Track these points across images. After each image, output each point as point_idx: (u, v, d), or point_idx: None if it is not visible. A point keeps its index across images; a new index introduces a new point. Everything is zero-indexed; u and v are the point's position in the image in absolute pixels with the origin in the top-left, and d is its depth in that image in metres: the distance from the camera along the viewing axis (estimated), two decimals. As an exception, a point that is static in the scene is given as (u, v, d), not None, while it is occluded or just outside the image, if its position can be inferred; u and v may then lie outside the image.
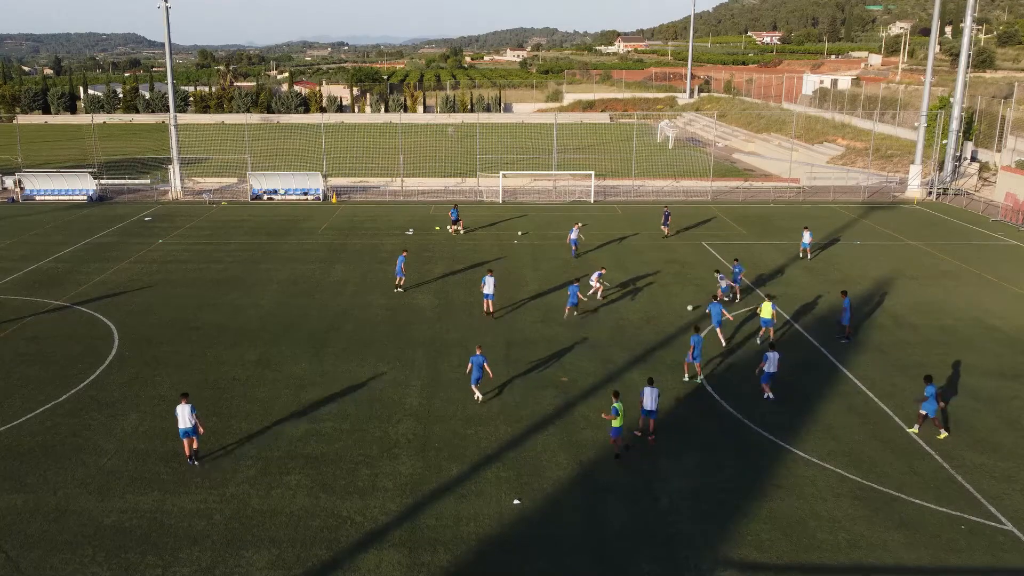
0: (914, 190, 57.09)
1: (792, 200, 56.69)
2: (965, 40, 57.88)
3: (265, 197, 57.04)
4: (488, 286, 31.19)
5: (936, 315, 31.87)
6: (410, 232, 46.25)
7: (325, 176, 58.46)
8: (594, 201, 55.49)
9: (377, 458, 20.79)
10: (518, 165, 70.38)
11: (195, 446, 20.68)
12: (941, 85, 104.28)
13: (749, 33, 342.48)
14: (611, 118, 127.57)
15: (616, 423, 20.33)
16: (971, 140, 61.90)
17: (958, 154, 59.84)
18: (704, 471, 20.23)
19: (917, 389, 24.71)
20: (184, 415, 20.21)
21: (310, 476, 19.94)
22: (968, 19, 57.22)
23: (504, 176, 57.10)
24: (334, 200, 56.36)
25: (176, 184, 58.02)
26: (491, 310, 31.59)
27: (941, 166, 59.16)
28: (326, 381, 25.55)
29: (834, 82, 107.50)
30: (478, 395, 23.99)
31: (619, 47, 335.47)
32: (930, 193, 56.84)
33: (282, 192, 57.16)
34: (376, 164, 69.83)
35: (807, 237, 40.16)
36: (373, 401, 24.11)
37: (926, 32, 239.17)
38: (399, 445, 21.48)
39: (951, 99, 59.80)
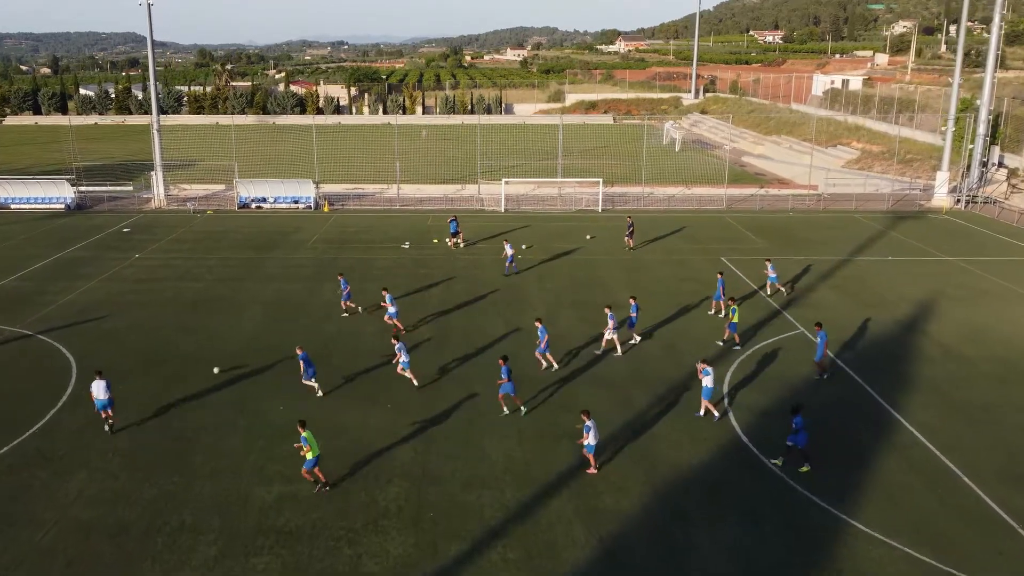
0: (941, 198, 53.88)
1: (812, 209, 53.50)
2: (993, 39, 54.82)
3: (253, 206, 53.85)
4: (391, 305, 29.59)
5: (987, 344, 28.72)
6: (406, 245, 43.07)
7: (317, 183, 55.26)
8: (602, 210, 52.30)
9: (361, 532, 17.64)
10: (521, 170, 67.19)
11: (111, 420, 22.03)
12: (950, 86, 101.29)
13: (751, 32, 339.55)
14: (614, 119, 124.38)
15: (310, 455, 18.91)
16: (997, 144, 58.80)
17: (984, 159, 56.72)
18: (748, 549, 17.10)
19: (984, 439, 21.69)
20: (99, 389, 21.65)
21: (281, 557, 16.80)
22: (997, 16, 54.11)
23: (507, 183, 53.86)
24: (326, 209, 53.19)
25: (159, 191, 54.80)
26: (399, 326, 29.68)
27: (967, 172, 56.01)
28: (312, 428, 22.35)
29: (845, 82, 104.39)
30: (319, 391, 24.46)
31: (620, 46, 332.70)
32: (958, 201, 53.66)
33: (271, 200, 53.97)
34: (372, 168, 66.59)
35: (771, 271, 34.33)
36: (359, 455, 20.96)
37: (929, 31, 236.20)
38: (388, 515, 18.33)
39: (977, 101, 56.71)
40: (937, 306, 32.85)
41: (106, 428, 21.95)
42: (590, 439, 19.67)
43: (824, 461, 20.50)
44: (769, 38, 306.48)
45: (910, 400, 24.15)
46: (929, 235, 45.40)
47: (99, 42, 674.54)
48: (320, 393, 24.43)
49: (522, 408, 23.17)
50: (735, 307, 28.64)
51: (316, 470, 19.13)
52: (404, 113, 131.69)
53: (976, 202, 53.50)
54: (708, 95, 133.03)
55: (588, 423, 19.66)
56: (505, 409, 23.13)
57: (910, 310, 32.33)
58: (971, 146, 56.06)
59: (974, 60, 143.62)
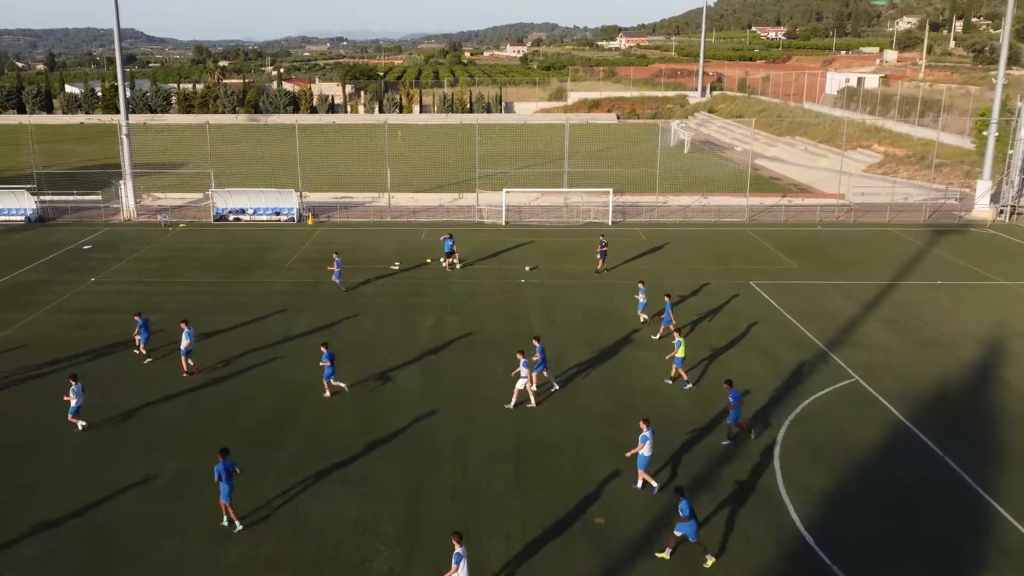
0: (983, 209, 49.43)
1: (842, 221, 48.95)
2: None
3: (231, 218, 49.33)
4: (185, 341, 25.81)
5: (1077, 396, 24.31)
6: (396, 266, 38.56)
7: (300, 193, 50.72)
8: (612, 223, 47.74)
9: None
10: (523, 177, 62.73)
11: None
12: (969, 84, 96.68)
13: (753, 28, 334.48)
14: (618, 118, 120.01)
15: None
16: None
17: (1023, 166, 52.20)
18: None
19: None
20: None
21: None
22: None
23: (508, 193, 49.28)
24: (310, 221, 48.67)
25: (128, 202, 50.23)
26: (186, 370, 25.96)
27: (1008, 180, 51.49)
28: (261, 524, 17.94)
29: (860, 80, 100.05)
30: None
31: (621, 42, 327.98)
32: (1000, 213, 49.19)
33: (251, 212, 49.45)
34: (363, 174, 62.04)
35: (641, 296, 30.07)
36: (323, 563, 16.54)
37: (936, 27, 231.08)
38: (354, 665, 13.94)
39: (1019, 103, 52.15)
40: (1007, 344, 28.41)
41: None
42: (459, 570, 14.76)
43: (915, 567, 16.10)
44: (772, 34, 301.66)
45: (1004, 478, 19.71)
46: (976, 253, 40.93)
47: (97, 38, 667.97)
48: None
49: (237, 524, 17.63)
50: (681, 340, 24.86)
51: None
52: (401, 112, 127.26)
53: (1020, 213, 49.05)
54: (715, 93, 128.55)
55: (459, 550, 14.79)
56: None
57: (977, 350, 27.87)
58: (1010, 151, 51.61)
59: (987, 57, 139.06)
